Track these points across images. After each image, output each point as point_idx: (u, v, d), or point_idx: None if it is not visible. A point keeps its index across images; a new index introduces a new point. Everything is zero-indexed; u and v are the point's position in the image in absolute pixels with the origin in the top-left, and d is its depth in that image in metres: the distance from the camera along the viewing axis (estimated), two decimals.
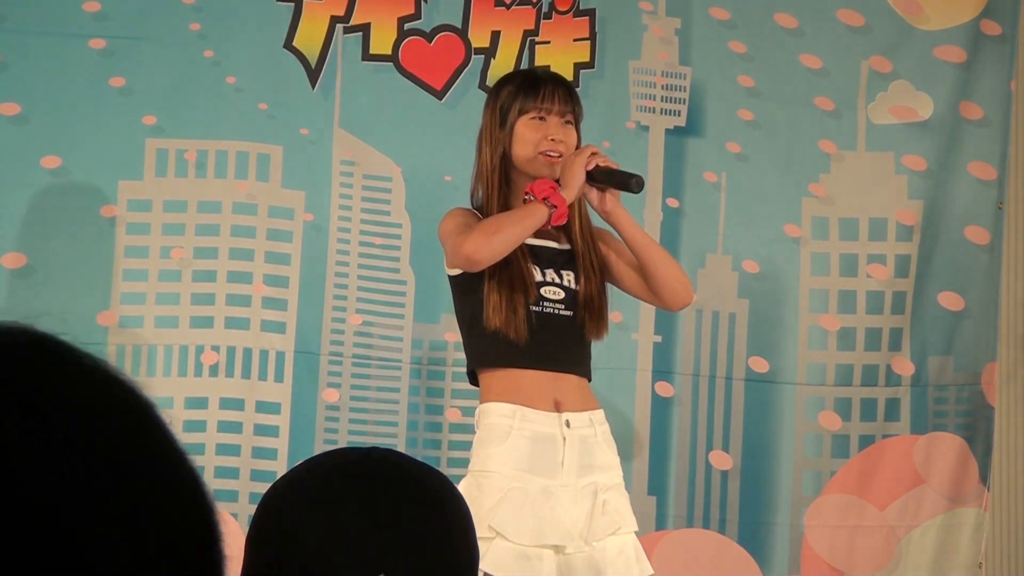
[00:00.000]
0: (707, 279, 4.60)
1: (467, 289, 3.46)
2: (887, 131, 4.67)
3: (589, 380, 3.49)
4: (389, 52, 4.48)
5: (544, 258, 3.48)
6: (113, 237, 4.32)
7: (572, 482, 3.37)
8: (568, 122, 3.47)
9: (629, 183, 3.40)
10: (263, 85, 4.40)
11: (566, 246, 3.51)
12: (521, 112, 3.45)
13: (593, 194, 3.43)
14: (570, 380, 3.42)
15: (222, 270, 4.37)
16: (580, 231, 3.51)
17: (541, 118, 3.44)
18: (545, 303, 3.44)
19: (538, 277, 3.45)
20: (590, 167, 3.39)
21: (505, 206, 3.45)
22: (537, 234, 3.47)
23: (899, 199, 4.67)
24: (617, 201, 3.43)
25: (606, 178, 3.42)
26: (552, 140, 3.44)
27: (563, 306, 3.45)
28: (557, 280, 3.47)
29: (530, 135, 3.45)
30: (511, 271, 3.40)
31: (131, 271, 4.33)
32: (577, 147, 3.49)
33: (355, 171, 4.44)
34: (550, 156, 3.44)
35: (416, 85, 4.49)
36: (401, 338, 4.46)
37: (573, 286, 3.48)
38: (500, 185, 3.46)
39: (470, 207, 3.53)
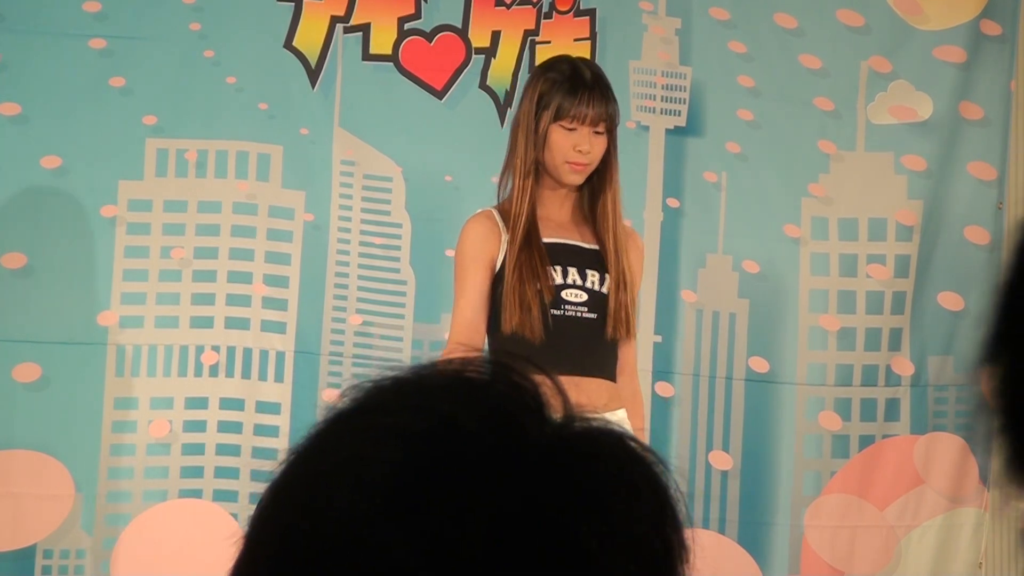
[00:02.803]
0: (707, 279, 4.60)
1: (492, 295, 3.46)
2: (887, 131, 4.67)
3: (615, 380, 3.48)
4: (389, 52, 4.48)
5: (565, 256, 3.46)
6: (113, 237, 4.32)
7: None
8: (598, 132, 3.47)
9: None
10: (263, 85, 4.40)
11: (593, 245, 3.49)
12: (556, 117, 3.45)
13: None
14: (594, 383, 3.40)
15: (222, 270, 4.37)
16: (613, 231, 3.50)
17: (572, 128, 3.46)
18: (566, 306, 3.43)
19: (558, 280, 3.44)
20: None
21: (533, 209, 3.45)
22: (560, 231, 3.48)
23: (899, 199, 4.67)
24: None
25: None
26: (579, 151, 3.45)
27: (586, 308, 3.44)
28: (579, 282, 3.45)
29: (561, 142, 3.45)
30: (529, 271, 3.40)
31: (131, 271, 4.33)
32: (610, 150, 3.48)
33: (355, 171, 4.43)
34: (575, 166, 3.46)
35: (416, 85, 4.49)
36: (401, 338, 4.46)
37: (597, 288, 3.46)
38: (532, 188, 3.46)
39: (490, 209, 3.52)
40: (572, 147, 3.45)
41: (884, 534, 4.59)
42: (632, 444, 0.88)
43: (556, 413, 0.86)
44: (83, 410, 4.26)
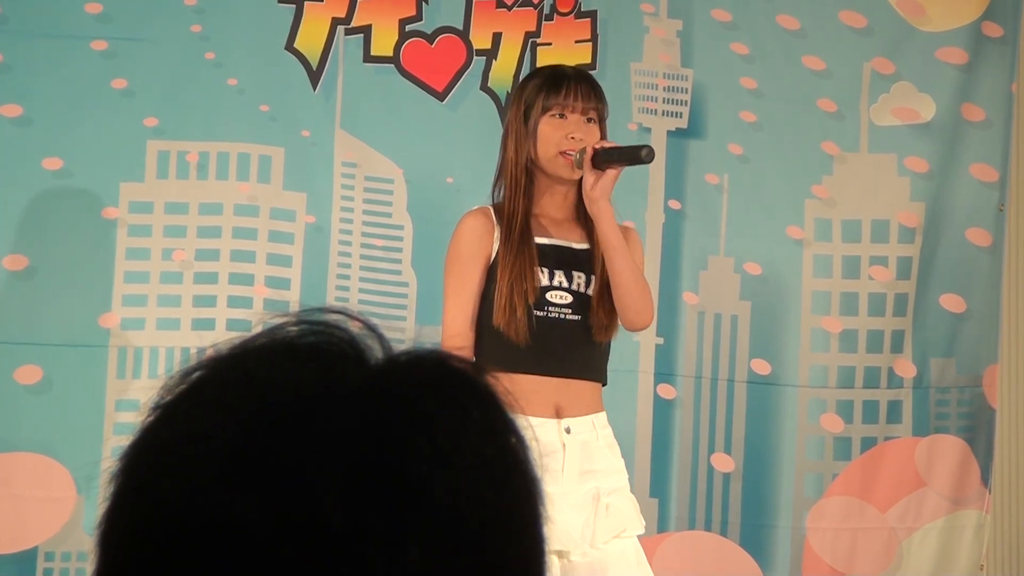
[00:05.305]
0: (709, 281, 4.58)
1: (485, 290, 3.45)
2: (889, 133, 4.64)
3: (604, 383, 3.45)
4: (390, 54, 4.46)
5: (554, 258, 3.43)
6: (114, 239, 4.30)
7: (573, 489, 3.33)
8: (590, 119, 3.43)
9: (638, 155, 3.35)
10: (264, 87, 4.38)
11: (584, 245, 3.46)
12: (544, 110, 3.42)
13: (589, 177, 3.37)
14: (578, 385, 3.38)
15: (223, 272, 4.35)
16: None
17: (562, 115, 3.41)
18: (550, 308, 3.40)
19: (544, 281, 3.41)
20: (590, 155, 3.36)
21: (528, 208, 3.42)
22: (553, 231, 3.45)
23: (901, 201, 4.64)
24: (605, 191, 3.36)
25: (612, 157, 3.35)
26: (572, 139, 3.40)
27: (570, 310, 3.41)
28: (565, 284, 3.43)
29: (551, 134, 3.41)
30: (516, 273, 3.38)
31: (132, 273, 4.32)
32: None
33: (357, 173, 4.42)
34: (569, 156, 3.40)
35: (417, 87, 4.47)
36: (403, 340, 4.36)
37: (583, 289, 3.43)
38: (525, 185, 3.43)
39: (487, 206, 3.50)
40: (565, 136, 3.40)
41: (886, 536, 4.57)
42: (456, 364, 0.87)
43: (377, 355, 0.87)
44: (85, 412, 4.24)
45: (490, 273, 3.43)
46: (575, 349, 3.40)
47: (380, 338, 0.87)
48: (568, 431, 3.36)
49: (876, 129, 4.65)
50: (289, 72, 4.40)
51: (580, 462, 3.35)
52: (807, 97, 4.62)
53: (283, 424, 0.82)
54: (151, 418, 0.86)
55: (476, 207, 3.53)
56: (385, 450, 0.82)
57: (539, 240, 3.44)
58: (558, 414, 3.36)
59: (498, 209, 3.48)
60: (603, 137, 3.45)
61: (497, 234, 3.45)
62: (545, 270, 3.42)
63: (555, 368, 3.35)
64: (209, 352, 0.86)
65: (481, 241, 3.45)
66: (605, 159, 3.36)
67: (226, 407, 0.83)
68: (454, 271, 3.49)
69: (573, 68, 3.59)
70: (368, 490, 0.81)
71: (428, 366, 0.87)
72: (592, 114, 3.44)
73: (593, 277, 3.43)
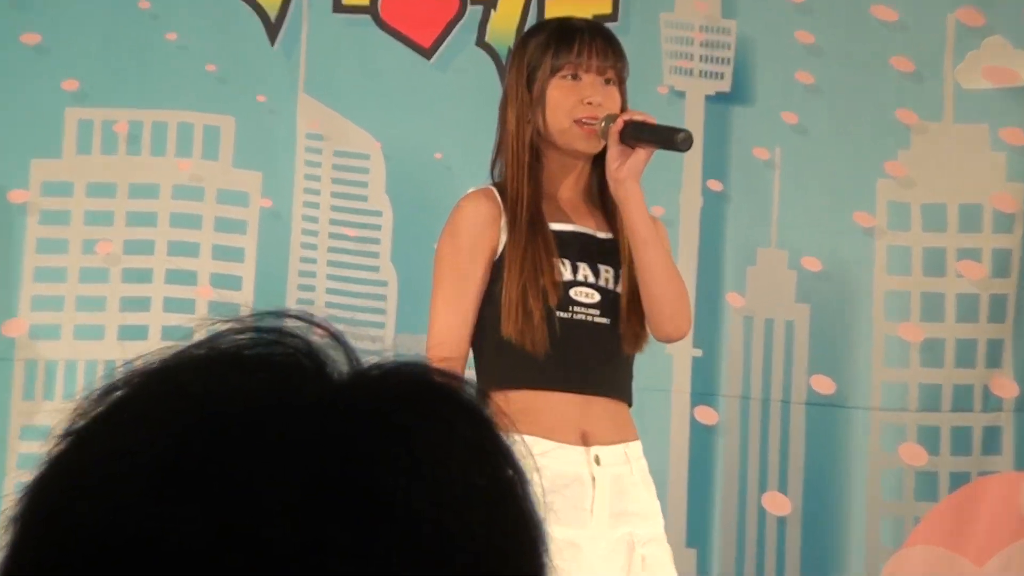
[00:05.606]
0: (758, 279, 4.38)
1: (488, 290, 3.26)
2: (980, 98, 4.41)
3: (630, 404, 3.28)
4: (366, 2, 4.35)
5: (576, 248, 3.24)
6: (23, 228, 4.22)
7: (603, 533, 3.17)
8: (608, 80, 3.23)
9: (674, 139, 3.14)
10: (211, 43, 4.29)
11: (607, 234, 3.27)
12: (553, 71, 3.22)
13: (615, 152, 3.15)
14: (604, 405, 3.21)
15: (159, 268, 4.26)
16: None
17: (575, 76, 3.21)
18: (575, 307, 3.20)
19: (567, 275, 3.21)
20: (619, 126, 3.16)
21: (536, 188, 3.22)
22: (572, 213, 3.28)
23: (995, 181, 4.40)
24: (634, 171, 3.15)
25: (643, 134, 3.15)
26: (589, 104, 3.19)
27: (598, 312, 3.22)
28: (591, 279, 3.24)
29: (563, 99, 3.21)
30: (529, 268, 3.18)
31: (45, 270, 4.23)
32: (622, 111, 3.28)
33: (324, 147, 4.32)
34: (588, 125, 3.19)
35: (399, 42, 4.35)
36: (380, 351, 3.92)
37: (611, 286, 3.25)
38: (530, 162, 3.23)
39: (490, 187, 3.29)
40: (579, 101, 3.19)
41: None
42: (438, 378, 0.85)
43: (342, 369, 0.83)
44: None
45: (495, 270, 3.23)
46: (601, 358, 3.23)
47: (346, 348, 0.83)
48: (598, 461, 3.18)
49: (963, 94, 4.42)
50: (241, 24, 4.29)
51: (612, 501, 3.19)
52: (877, 55, 4.40)
53: (226, 434, 0.79)
54: (60, 447, 0.82)
55: (477, 188, 3.34)
56: (351, 463, 0.79)
57: (555, 227, 3.24)
58: (585, 440, 3.18)
59: (503, 191, 3.30)
60: (624, 102, 3.26)
61: (504, 222, 3.25)
62: (567, 262, 3.22)
63: (580, 382, 3.18)
64: (137, 365, 0.83)
65: (484, 231, 3.23)
66: (635, 134, 3.16)
67: (154, 421, 0.80)
68: (448, 268, 3.27)
69: (585, 20, 3.45)
70: (330, 502, 0.78)
71: (404, 380, 0.84)
72: (610, 74, 3.23)
73: (621, 272, 3.27)
